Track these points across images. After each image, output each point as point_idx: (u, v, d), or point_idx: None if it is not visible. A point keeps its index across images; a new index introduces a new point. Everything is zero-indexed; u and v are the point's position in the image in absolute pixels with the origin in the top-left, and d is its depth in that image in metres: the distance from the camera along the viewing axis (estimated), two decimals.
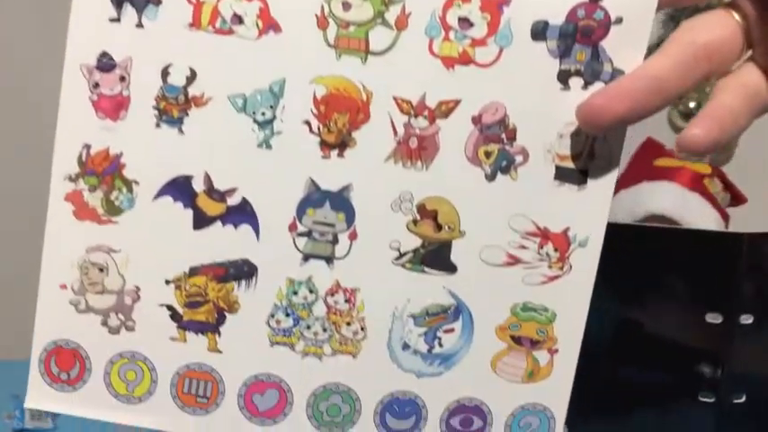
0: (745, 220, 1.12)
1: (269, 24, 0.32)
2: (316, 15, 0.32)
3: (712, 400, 0.55)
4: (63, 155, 0.33)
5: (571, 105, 0.31)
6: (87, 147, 0.33)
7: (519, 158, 0.32)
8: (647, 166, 0.99)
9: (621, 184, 0.34)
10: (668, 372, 0.57)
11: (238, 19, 0.32)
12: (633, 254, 0.55)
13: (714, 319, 0.55)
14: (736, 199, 1.04)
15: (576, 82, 0.31)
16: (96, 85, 0.32)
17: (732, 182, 1.03)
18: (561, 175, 0.32)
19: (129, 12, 0.32)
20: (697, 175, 0.98)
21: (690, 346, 0.57)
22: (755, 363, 0.56)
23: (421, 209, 0.33)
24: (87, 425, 0.94)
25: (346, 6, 0.32)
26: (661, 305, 0.58)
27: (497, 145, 0.32)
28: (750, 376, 0.56)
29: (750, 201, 1.06)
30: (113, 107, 0.33)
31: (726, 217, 1.00)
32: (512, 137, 0.32)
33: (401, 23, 0.32)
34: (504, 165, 0.32)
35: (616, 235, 0.33)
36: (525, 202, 0.33)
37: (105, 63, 0.32)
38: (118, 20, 0.32)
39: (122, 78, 0.32)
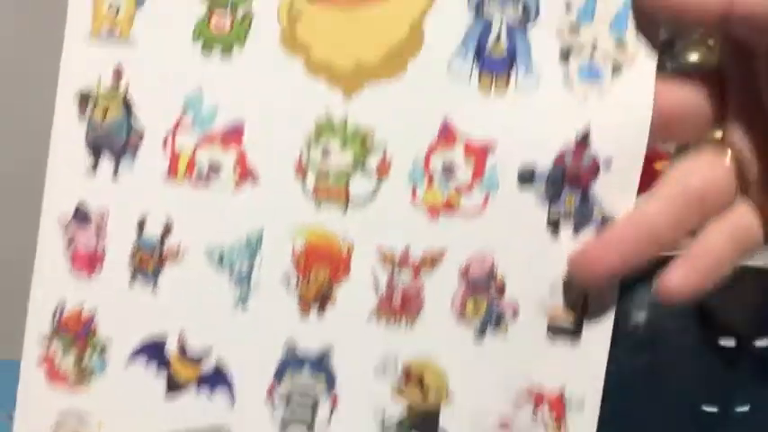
0: None
1: (246, 174, 0.31)
2: (294, 164, 0.31)
3: None
4: (37, 314, 0.32)
5: (561, 254, 0.29)
6: (62, 304, 0.32)
7: (509, 313, 0.30)
8: (648, 170, 0.98)
9: None
10: None
11: (215, 169, 0.31)
12: None
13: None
14: None
15: (566, 228, 0.29)
16: (71, 240, 0.32)
17: None
18: (554, 330, 0.30)
19: (105, 162, 0.31)
20: None
21: None
22: None
23: (406, 372, 0.31)
24: None
25: (325, 154, 0.31)
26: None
27: (485, 299, 0.30)
28: None
29: None
30: (88, 262, 0.32)
31: None
32: (501, 289, 0.30)
33: (382, 171, 0.30)
34: (494, 320, 0.30)
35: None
36: (517, 360, 0.30)
37: (81, 216, 0.32)
38: (94, 170, 0.31)
39: (98, 232, 0.32)
